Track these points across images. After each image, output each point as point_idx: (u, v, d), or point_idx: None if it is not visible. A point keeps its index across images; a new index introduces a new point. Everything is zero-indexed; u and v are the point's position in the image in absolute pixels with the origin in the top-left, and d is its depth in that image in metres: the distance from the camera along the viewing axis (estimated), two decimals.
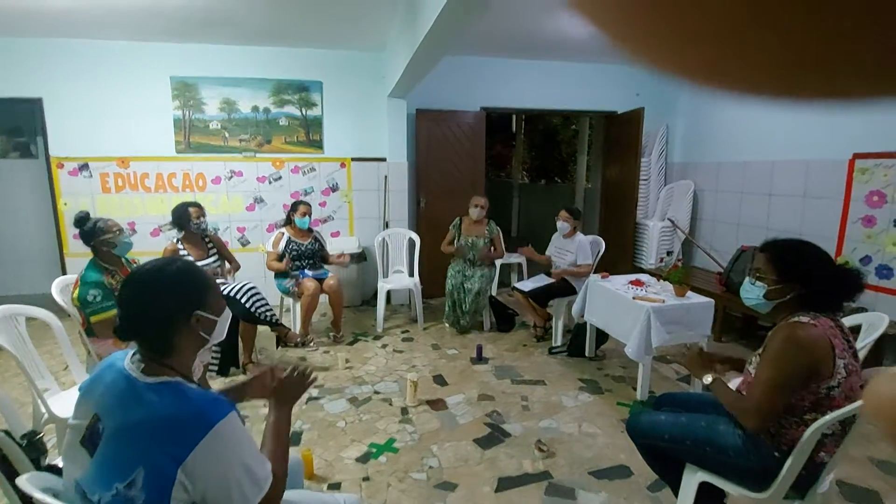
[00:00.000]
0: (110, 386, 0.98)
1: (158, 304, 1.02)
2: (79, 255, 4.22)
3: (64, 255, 4.37)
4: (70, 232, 4.30)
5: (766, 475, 1.40)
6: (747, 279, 1.53)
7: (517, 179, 9.86)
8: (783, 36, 0.19)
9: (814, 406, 1.35)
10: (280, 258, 3.65)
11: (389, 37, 4.04)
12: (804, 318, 1.36)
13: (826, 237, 3.57)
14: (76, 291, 2.27)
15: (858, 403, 1.28)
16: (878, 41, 0.18)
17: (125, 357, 1.03)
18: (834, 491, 1.97)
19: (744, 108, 4.37)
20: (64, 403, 1.99)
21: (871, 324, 1.79)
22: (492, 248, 4.04)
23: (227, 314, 1.17)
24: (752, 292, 1.50)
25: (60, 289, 2.42)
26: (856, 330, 1.84)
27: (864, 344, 1.71)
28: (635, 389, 2.89)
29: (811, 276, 1.40)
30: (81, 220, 2.39)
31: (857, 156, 3.41)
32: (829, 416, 1.28)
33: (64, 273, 4.21)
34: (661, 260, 4.94)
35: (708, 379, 1.55)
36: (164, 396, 0.95)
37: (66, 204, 4.31)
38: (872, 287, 3.27)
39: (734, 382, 1.70)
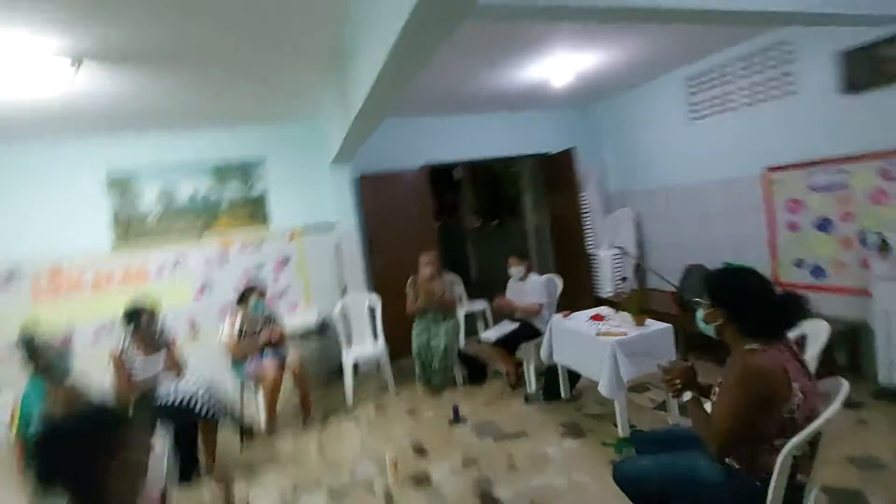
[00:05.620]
0: None
1: (70, 461, 0.95)
2: None
3: None
4: None
5: None
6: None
7: (469, 224, 10.03)
8: None
9: (781, 431, 1.38)
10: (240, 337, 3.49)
11: (325, 107, 4.12)
12: (754, 346, 1.42)
13: (760, 247, 3.81)
14: (15, 425, 2.05)
15: (820, 422, 1.33)
16: None
17: None
18: (822, 502, 2.00)
19: (658, 134, 4.71)
20: None
21: (814, 334, 1.88)
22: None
23: (161, 456, 1.09)
24: (698, 317, 1.61)
25: None
26: (802, 339, 1.93)
27: (811, 356, 1.79)
28: (616, 425, 2.88)
29: (737, 301, 1.49)
30: (28, 342, 2.23)
31: (770, 169, 3.72)
32: (794, 440, 1.31)
33: None
34: (617, 286, 5.09)
35: (688, 396, 1.60)
36: None
37: None
38: (811, 287, 3.49)
39: (709, 405, 1.72)
